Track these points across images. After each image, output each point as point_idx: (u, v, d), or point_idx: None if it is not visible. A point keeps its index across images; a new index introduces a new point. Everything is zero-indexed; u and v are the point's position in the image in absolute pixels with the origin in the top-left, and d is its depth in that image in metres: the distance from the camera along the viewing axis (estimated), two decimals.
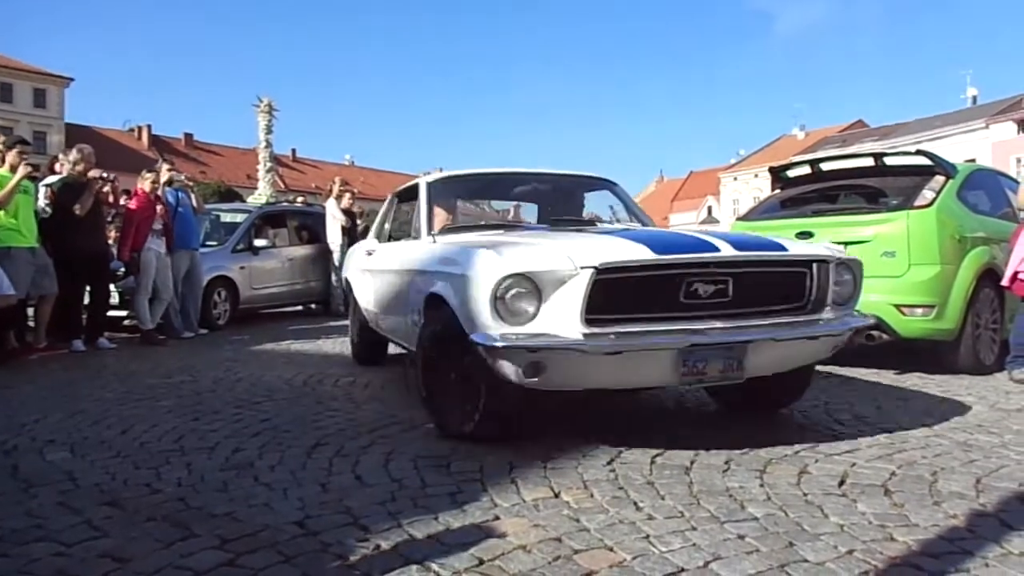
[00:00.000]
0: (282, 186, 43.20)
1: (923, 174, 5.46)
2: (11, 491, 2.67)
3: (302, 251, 10.94)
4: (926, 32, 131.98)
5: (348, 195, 11.42)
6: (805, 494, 2.55)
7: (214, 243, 9.47)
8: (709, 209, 74.97)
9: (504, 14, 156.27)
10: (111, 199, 7.37)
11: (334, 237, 10.86)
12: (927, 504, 2.45)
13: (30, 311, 6.70)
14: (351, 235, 11.18)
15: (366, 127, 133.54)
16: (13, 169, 6.09)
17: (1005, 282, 5.07)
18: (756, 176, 63.10)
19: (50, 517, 2.40)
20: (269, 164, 21.43)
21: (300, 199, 16.16)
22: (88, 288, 6.98)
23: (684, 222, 76.31)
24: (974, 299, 5.14)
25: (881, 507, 2.42)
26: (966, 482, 2.68)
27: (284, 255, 10.56)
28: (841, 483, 2.67)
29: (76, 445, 3.31)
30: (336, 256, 10.82)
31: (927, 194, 5.21)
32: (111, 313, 7.53)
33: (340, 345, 7.13)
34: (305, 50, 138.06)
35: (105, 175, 7.03)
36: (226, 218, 10.45)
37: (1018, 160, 41.12)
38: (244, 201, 22.22)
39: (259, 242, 9.87)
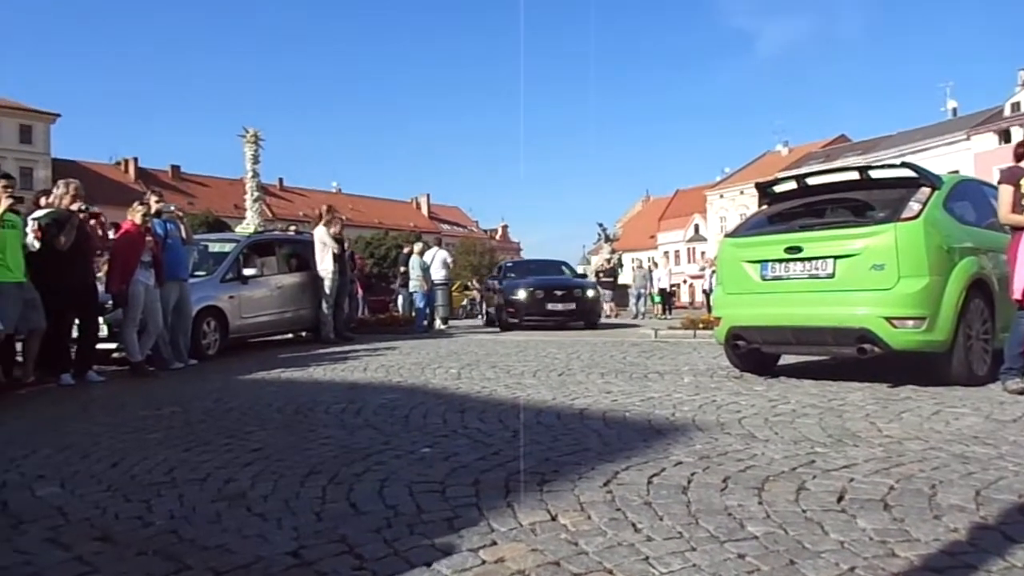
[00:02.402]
0: (270, 215, 43.24)
1: (909, 186, 5.50)
2: (0, 528, 2.62)
3: (291, 279, 10.91)
4: (906, 47, 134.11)
5: (337, 222, 11.41)
6: (804, 511, 2.53)
7: (203, 273, 9.44)
8: (696, 227, 75.38)
9: (487, 38, 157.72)
10: (100, 232, 7.32)
11: (326, 265, 10.80)
12: (927, 518, 2.44)
13: (18, 346, 6.64)
14: (341, 262, 11.15)
15: (352, 155, 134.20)
16: None
17: (1017, 295, 4.99)
18: (742, 193, 63.63)
19: (40, 553, 2.35)
20: (256, 194, 21.31)
21: (292, 228, 16.12)
22: (76, 321, 6.93)
23: (672, 240, 76.82)
24: (965, 310, 5.16)
25: (881, 522, 2.41)
26: (965, 495, 2.66)
27: (273, 283, 10.53)
28: (840, 499, 2.65)
29: (66, 480, 3.26)
30: (327, 284, 10.75)
31: (914, 206, 5.24)
32: (100, 346, 7.48)
33: (331, 372, 7.09)
34: (290, 80, 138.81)
35: (84, 207, 6.96)
36: (215, 248, 10.42)
37: (1000, 171, 41.58)
38: (232, 231, 22.14)
39: (248, 271, 9.84)
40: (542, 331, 13.26)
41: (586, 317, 14.36)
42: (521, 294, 14.04)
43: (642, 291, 23.76)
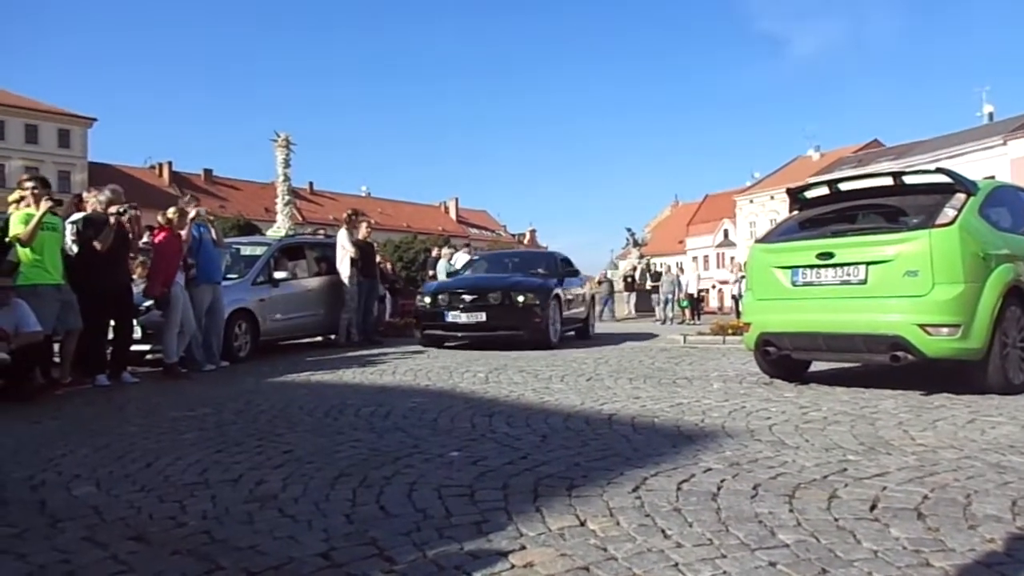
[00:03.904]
0: (300, 219, 43.69)
1: (943, 192, 5.42)
2: (39, 526, 2.68)
3: (320, 282, 10.99)
4: (941, 50, 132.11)
5: (365, 225, 11.48)
6: (836, 519, 2.50)
7: (235, 276, 9.55)
8: (726, 232, 74.78)
9: (517, 46, 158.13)
10: (132, 234, 7.43)
11: (343, 268, 10.84)
12: (962, 528, 2.40)
13: (55, 347, 6.77)
14: (366, 268, 11.17)
15: (382, 158, 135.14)
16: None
17: None
18: (772, 198, 63.03)
19: (77, 552, 2.40)
20: (287, 197, 21.57)
21: (321, 232, 16.27)
22: (112, 323, 7.06)
23: (700, 245, 76.27)
24: (1001, 317, 5.07)
25: (915, 532, 2.37)
26: (1001, 505, 2.62)
27: (303, 287, 10.62)
28: (872, 507, 2.62)
29: (102, 479, 3.32)
30: (346, 287, 10.75)
31: (948, 212, 5.17)
32: (134, 347, 7.60)
33: (359, 375, 7.15)
34: (321, 85, 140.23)
35: (122, 210, 7.07)
36: (246, 251, 10.54)
37: None
38: (263, 234, 22.41)
39: (278, 274, 9.93)
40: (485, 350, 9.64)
41: (513, 329, 9.91)
42: (426, 300, 10.53)
43: (669, 296, 23.66)
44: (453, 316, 10.01)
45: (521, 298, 10.01)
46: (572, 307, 11.45)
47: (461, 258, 15.68)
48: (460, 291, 10.31)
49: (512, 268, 12.03)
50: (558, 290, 10.69)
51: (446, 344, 10.26)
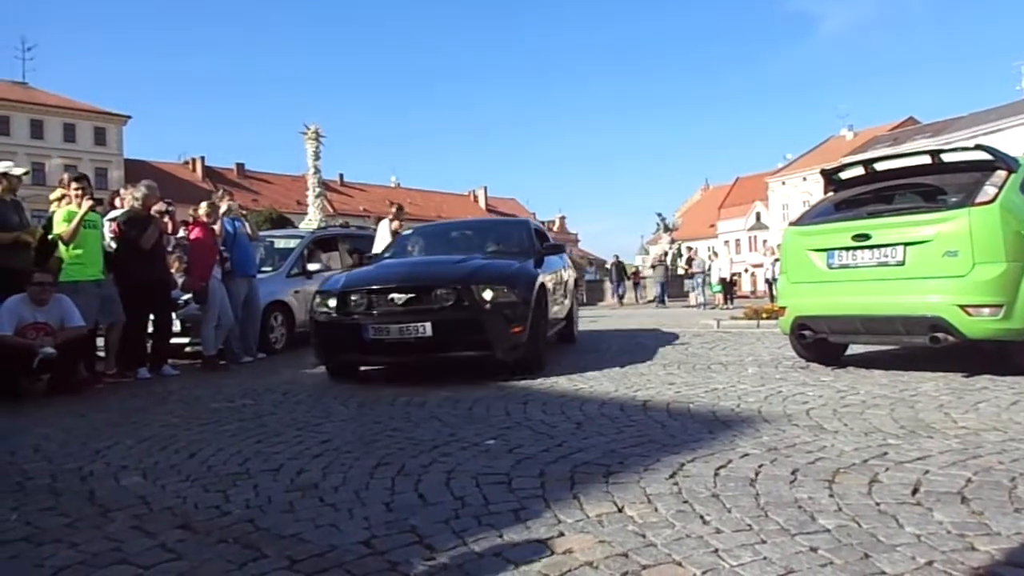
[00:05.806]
0: (331, 211, 44.02)
1: (983, 169, 5.29)
2: (90, 515, 2.76)
3: None
4: (978, 23, 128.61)
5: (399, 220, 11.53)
6: (877, 503, 2.48)
7: (269, 269, 9.67)
8: (758, 215, 73.88)
9: (546, 28, 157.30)
10: (170, 228, 7.61)
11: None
12: (1008, 512, 2.36)
13: (99, 341, 6.94)
14: None
15: (410, 148, 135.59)
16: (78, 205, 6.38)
17: None
18: (805, 180, 62.18)
19: (127, 540, 2.46)
20: (318, 189, 21.82)
21: (353, 225, 16.35)
22: (152, 317, 7.20)
23: (732, 229, 75.45)
24: None
25: (959, 515, 2.34)
26: None
27: None
28: (914, 491, 2.59)
29: (147, 470, 3.41)
30: None
31: (989, 189, 5.05)
32: (173, 340, 7.75)
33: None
34: (350, 76, 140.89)
35: (169, 209, 7.29)
36: (280, 244, 10.67)
37: None
38: (295, 227, 22.66)
39: (312, 266, 10.03)
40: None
41: (480, 347, 5.83)
42: (328, 304, 6.05)
43: (700, 282, 23.47)
44: (378, 331, 5.78)
45: (489, 294, 5.83)
46: (554, 301, 7.36)
47: None
48: (387, 287, 5.98)
49: (464, 247, 7.71)
50: (544, 277, 6.68)
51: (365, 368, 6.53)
